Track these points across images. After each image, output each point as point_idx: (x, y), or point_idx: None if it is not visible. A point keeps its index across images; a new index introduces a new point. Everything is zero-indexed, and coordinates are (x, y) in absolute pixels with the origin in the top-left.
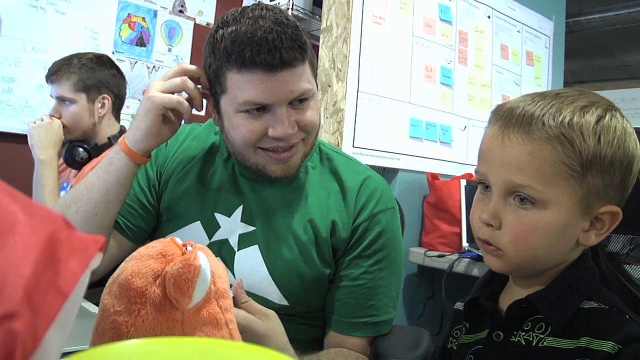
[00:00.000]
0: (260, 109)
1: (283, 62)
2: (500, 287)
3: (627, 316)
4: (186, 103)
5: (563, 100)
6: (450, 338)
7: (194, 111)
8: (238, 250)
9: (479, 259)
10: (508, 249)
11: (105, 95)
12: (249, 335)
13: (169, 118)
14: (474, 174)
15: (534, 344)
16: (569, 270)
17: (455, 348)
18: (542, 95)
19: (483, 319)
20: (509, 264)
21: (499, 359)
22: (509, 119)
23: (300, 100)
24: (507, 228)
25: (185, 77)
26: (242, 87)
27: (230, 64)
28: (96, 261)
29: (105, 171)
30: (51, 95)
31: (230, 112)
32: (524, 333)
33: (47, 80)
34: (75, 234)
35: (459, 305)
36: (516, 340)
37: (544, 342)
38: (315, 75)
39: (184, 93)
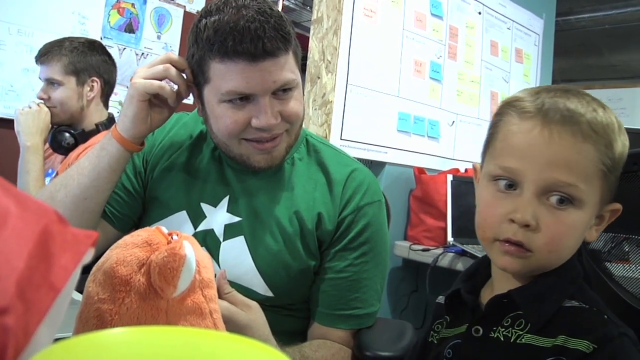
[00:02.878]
0: (244, 99)
1: (265, 52)
2: (482, 282)
3: (605, 316)
4: (168, 88)
5: (586, 97)
6: (431, 332)
7: (185, 100)
8: (224, 241)
9: (463, 253)
10: (541, 250)
11: (95, 78)
12: (231, 326)
13: (156, 104)
14: (497, 169)
15: (512, 340)
16: (553, 269)
17: (435, 342)
18: (566, 91)
19: (464, 313)
20: (530, 266)
21: (477, 354)
22: (551, 113)
23: (283, 90)
24: (544, 229)
25: (169, 65)
26: (224, 76)
27: (213, 53)
28: (88, 256)
29: (97, 156)
30: (40, 78)
31: (214, 102)
32: (503, 329)
33: (36, 61)
34: (68, 229)
35: (441, 299)
36: (495, 335)
37: (522, 339)
38: (299, 65)
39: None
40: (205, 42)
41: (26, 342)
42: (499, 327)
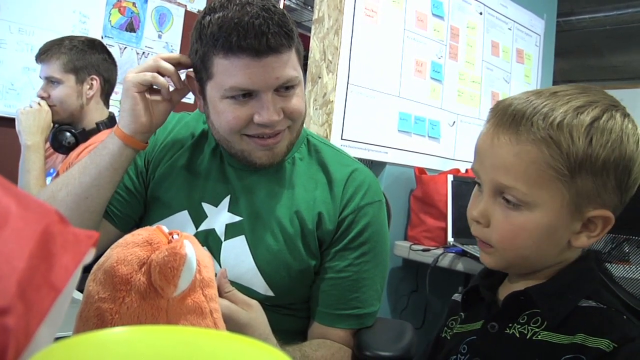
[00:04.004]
0: (246, 95)
1: (269, 48)
2: (500, 280)
3: (625, 317)
4: (161, 78)
5: (558, 99)
6: (445, 328)
7: (185, 100)
8: (225, 240)
9: (463, 254)
10: (497, 246)
11: (94, 76)
12: (231, 324)
13: (153, 96)
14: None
15: (528, 336)
16: (569, 268)
17: (448, 338)
18: (538, 94)
19: (479, 309)
20: (499, 261)
21: (492, 350)
22: (501, 117)
23: (286, 88)
24: (494, 226)
25: (158, 58)
26: (228, 72)
27: (217, 49)
28: (89, 256)
29: (99, 155)
30: (40, 76)
31: (216, 98)
32: (519, 326)
33: (36, 60)
34: (69, 229)
35: (457, 297)
36: (511, 332)
37: (539, 336)
38: (301, 63)
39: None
40: (209, 38)
41: (27, 342)
42: (515, 324)
